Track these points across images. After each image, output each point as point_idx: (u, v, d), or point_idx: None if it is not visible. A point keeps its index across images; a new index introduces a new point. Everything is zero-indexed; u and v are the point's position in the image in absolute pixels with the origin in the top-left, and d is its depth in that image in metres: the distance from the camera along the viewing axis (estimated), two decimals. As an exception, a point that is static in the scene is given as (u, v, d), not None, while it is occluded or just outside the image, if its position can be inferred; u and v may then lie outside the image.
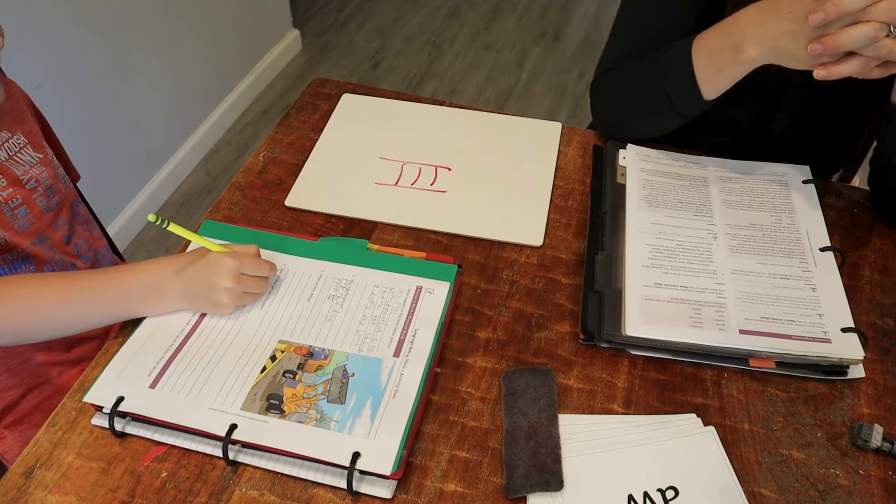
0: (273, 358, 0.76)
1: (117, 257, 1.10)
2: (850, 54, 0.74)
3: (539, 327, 0.81)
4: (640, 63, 0.94)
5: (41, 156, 0.90)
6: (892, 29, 0.71)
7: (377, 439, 0.68)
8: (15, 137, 0.88)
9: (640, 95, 0.95)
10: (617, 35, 1.01)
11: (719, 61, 0.85)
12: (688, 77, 0.87)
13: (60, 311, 0.76)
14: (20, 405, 0.94)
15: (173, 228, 0.74)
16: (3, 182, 0.85)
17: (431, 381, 0.76)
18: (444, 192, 0.96)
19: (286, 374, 0.74)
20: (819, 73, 0.76)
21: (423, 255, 0.86)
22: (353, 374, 0.74)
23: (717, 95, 0.88)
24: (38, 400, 0.95)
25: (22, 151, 0.88)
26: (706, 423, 0.73)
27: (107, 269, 0.78)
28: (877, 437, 0.71)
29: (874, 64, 0.74)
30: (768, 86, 0.87)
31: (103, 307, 0.76)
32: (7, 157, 0.86)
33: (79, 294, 0.76)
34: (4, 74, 0.93)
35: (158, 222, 0.72)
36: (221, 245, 0.78)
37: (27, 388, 0.94)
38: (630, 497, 0.67)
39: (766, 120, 1.02)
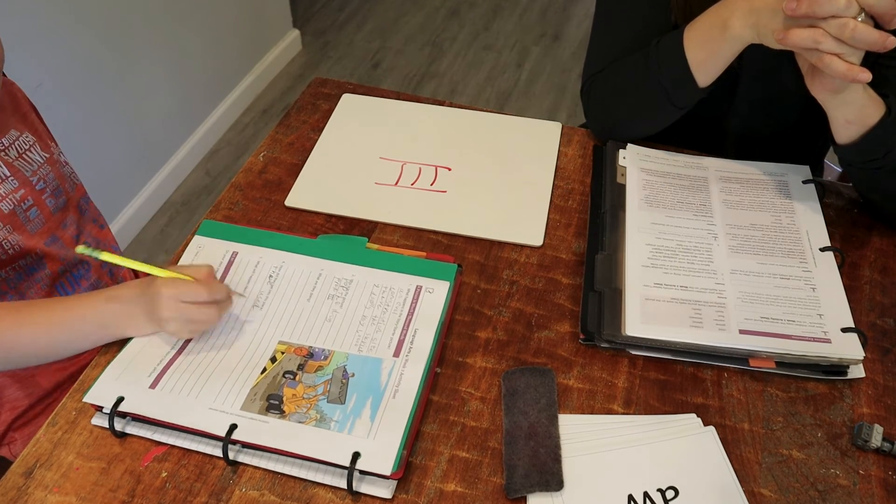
0: (273, 359, 0.75)
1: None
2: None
3: (539, 327, 0.81)
4: (631, 59, 0.94)
5: (48, 155, 0.90)
6: (861, 15, 0.72)
7: (377, 439, 0.68)
8: (24, 136, 0.88)
9: (634, 91, 0.95)
10: (600, 36, 1.02)
11: (709, 43, 0.85)
12: (681, 65, 0.88)
13: (38, 342, 0.75)
14: (31, 411, 0.94)
15: (106, 257, 0.73)
16: (15, 184, 0.85)
17: (431, 381, 0.76)
18: (444, 192, 0.96)
19: (286, 375, 0.74)
20: (777, 35, 0.77)
21: (424, 254, 0.85)
22: (353, 375, 0.74)
23: (710, 81, 0.89)
24: (48, 404, 0.95)
25: (31, 150, 0.88)
26: (706, 423, 0.73)
27: (81, 296, 0.77)
28: (877, 437, 0.71)
29: (829, 46, 0.74)
30: (720, 79, 0.89)
31: (81, 335, 0.76)
32: (17, 155, 0.86)
33: (55, 324, 0.75)
34: (5, 75, 0.93)
35: (89, 252, 0.70)
36: (170, 269, 0.75)
37: (38, 398, 0.94)
38: (630, 497, 0.67)
39: (723, 115, 1.02)
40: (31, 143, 0.89)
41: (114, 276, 1.02)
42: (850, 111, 0.82)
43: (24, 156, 0.87)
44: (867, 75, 0.74)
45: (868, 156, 0.85)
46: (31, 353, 0.77)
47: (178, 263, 0.84)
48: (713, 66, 0.87)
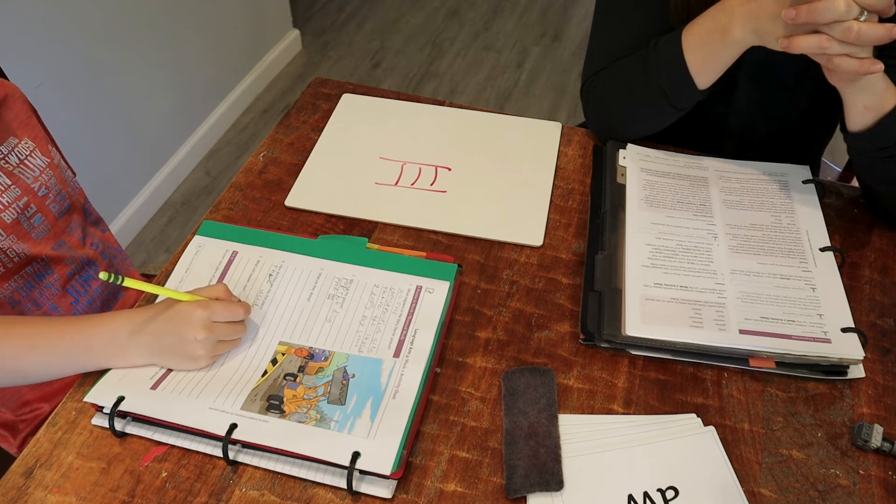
0: (274, 361, 0.75)
1: (128, 257, 1.09)
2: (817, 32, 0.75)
3: (539, 327, 0.81)
4: (630, 61, 0.94)
5: (48, 160, 0.90)
6: (864, 14, 0.72)
7: (377, 439, 0.68)
8: (23, 143, 0.88)
9: (633, 93, 0.95)
10: (599, 36, 1.02)
11: (709, 47, 0.85)
12: (680, 68, 0.88)
13: (20, 359, 0.72)
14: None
15: (129, 283, 0.70)
16: (17, 192, 0.85)
17: (431, 381, 0.76)
18: (444, 192, 0.96)
19: (287, 377, 0.74)
20: (782, 42, 0.77)
21: (424, 254, 0.85)
22: (354, 376, 0.74)
23: (710, 84, 0.89)
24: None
25: (32, 156, 0.88)
26: (706, 423, 0.73)
27: (72, 318, 0.75)
28: (877, 437, 0.71)
29: (836, 49, 0.74)
30: (719, 80, 0.89)
31: (65, 358, 0.73)
32: (18, 162, 0.86)
33: (41, 343, 0.72)
34: (6, 78, 0.93)
35: (111, 279, 0.68)
36: (188, 293, 0.74)
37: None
38: (630, 497, 0.67)
39: (721, 115, 1.03)
40: (31, 148, 0.88)
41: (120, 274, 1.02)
42: (869, 97, 0.82)
43: (24, 162, 0.87)
44: (880, 65, 0.75)
45: (881, 143, 0.84)
46: (10, 369, 0.73)
47: (178, 263, 0.84)
48: (713, 70, 0.87)
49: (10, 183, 0.84)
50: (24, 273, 0.86)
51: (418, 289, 0.82)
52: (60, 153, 0.99)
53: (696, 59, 0.87)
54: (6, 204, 0.83)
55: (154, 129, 2.06)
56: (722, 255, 0.85)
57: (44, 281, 0.88)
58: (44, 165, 0.89)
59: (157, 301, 0.79)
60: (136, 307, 0.78)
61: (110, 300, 0.98)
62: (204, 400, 0.71)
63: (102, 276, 0.68)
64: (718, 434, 0.72)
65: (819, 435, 0.73)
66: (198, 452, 0.70)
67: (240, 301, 0.76)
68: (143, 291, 1.03)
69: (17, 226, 0.84)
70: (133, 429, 0.71)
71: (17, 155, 0.86)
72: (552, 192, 0.96)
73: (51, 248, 0.88)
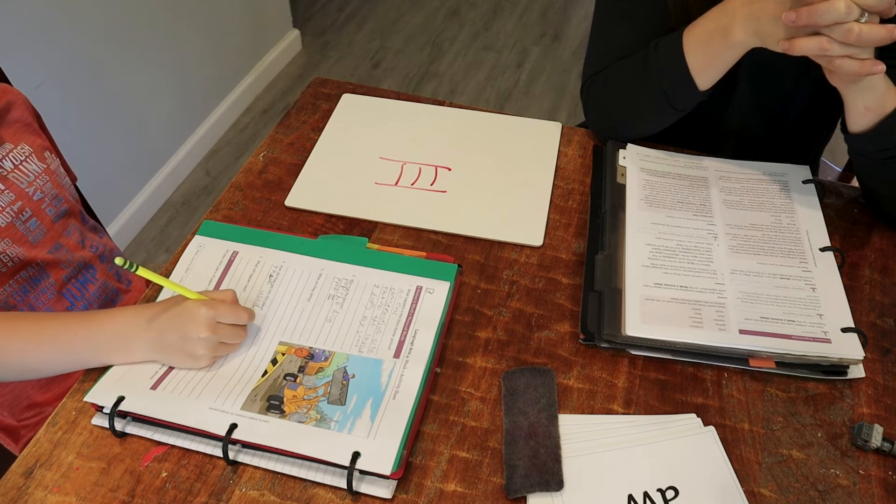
0: (274, 361, 0.75)
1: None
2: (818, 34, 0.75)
3: (539, 327, 0.81)
4: (630, 61, 0.94)
5: (45, 166, 0.90)
6: (864, 16, 0.72)
7: (377, 439, 0.68)
8: (19, 148, 0.88)
9: (633, 94, 0.95)
10: (599, 36, 1.02)
11: (710, 48, 0.85)
12: (681, 69, 0.88)
13: (26, 355, 0.73)
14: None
15: (142, 272, 0.70)
16: (11, 196, 0.85)
17: (431, 382, 0.76)
18: (444, 192, 0.96)
19: (287, 378, 0.74)
20: (782, 44, 0.77)
21: (424, 254, 0.85)
22: (354, 376, 0.74)
23: (710, 85, 0.89)
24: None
25: (27, 161, 0.88)
26: (706, 423, 0.73)
27: (77, 314, 0.75)
28: (877, 437, 0.71)
29: (837, 51, 0.74)
30: (718, 80, 0.89)
31: (69, 354, 0.73)
32: (13, 167, 0.86)
33: (45, 339, 0.72)
34: (9, 82, 0.93)
35: (126, 266, 0.68)
36: (197, 292, 0.74)
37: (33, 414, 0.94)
38: (630, 497, 0.67)
39: (720, 115, 1.03)
40: (26, 153, 0.88)
41: (121, 278, 1.02)
42: (870, 98, 0.82)
43: (19, 167, 0.86)
44: (881, 66, 0.75)
45: (882, 144, 0.84)
46: (16, 365, 0.74)
47: (179, 263, 0.84)
48: (714, 71, 0.87)
49: (3, 188, 0.84)
50: (19, 277, 0.85)
51: (418, 289, 0.82)
52: (62, 158, 0.99)
53: (697, 60, 0.87)
54: None
55: (154, 129, 2.06)
56: (722, 255, 0.85)
57: (39, 285, 0.88)
58: (39, 171, 0.89)
59: (161, 298, 0.78)
60: (138, 304, 0.78)
61: (108, 304, 0.97)
62: (204, 400, 0.71)
63: (118, 261, 0.68)
64: (718, 434, 0.72)
65: (819, 435, 0.73)
66: (198, 452, 0.70)
67: (247, 307, 0.76)
68: (144, 292, 1.04)
69: (11, 230, 0.84)
70: (133, 429, 0.71)
71: (11, 160, 0.86)
72: (552, 192, 0.96)
73: (47, 252, 0.88)
